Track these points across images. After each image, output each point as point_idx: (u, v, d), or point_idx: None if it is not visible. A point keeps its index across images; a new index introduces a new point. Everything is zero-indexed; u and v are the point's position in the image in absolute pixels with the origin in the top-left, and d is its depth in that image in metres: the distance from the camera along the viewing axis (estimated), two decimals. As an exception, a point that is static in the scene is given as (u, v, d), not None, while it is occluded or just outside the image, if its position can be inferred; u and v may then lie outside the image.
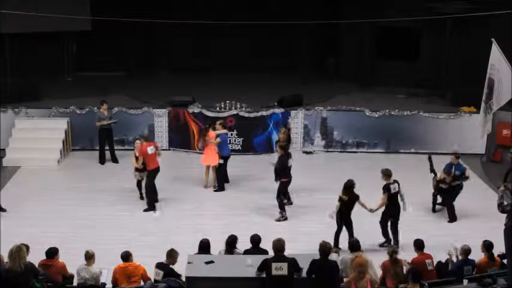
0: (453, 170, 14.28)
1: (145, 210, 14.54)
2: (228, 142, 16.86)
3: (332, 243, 10.07)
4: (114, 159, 17.58)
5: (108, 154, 17.62)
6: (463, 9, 18.87)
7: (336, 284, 9.23)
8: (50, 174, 16.93)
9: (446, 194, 14.39)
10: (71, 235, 13.09)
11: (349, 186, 12.44)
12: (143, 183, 14.89)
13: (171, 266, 9.95)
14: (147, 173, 14.67)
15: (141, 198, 15.00)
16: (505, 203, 9.52)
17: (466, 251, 10.36)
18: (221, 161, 15.57)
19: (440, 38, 20.49)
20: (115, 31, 21.33)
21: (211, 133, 15.61)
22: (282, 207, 14.16)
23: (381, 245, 12.81)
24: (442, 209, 14.68)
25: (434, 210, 14.69)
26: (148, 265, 10.31)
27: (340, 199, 12.48)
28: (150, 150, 14.56)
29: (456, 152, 14.80)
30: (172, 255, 10.04)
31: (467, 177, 14.33)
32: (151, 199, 14.63)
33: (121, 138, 18.31)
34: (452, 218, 14.23)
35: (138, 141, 14.95)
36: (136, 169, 14.82)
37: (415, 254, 10.54)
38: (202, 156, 15.88)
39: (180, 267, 9.93)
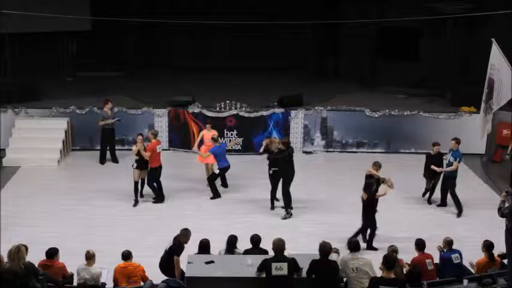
0: (449, 155, 14.46)
1: (155, 202, 14.94)
2: (225, 151, 15.94)
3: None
4: (115, 160, 17.57)
5: (108, 154, 17.61)
6: (463, 9, 18.89)
7: (336, 284, 9.24)
8: (50, 174, 16.93)
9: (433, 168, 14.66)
10: (71, 235, 13.09)
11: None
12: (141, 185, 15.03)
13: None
14: (149, 171, 14.78)
15: (136, 204, 14.83)
16: (506, 205, 9.54)
17: (449, 242, 10.52)
18: (217, 171, 15.34)
19: (440, 38, 20.50)
20: (115, 31, 21.35)
21: (206, 134, 15.61)
22: (287, 205, 14.24)
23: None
24: (442, 209, 14.69)
25: (429, 202, 14.94)
26: (148, 265, 10.33)
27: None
28: (158, 148, 14.79)
29: (456, 137, 14.78)
30: (186, 234, 10.35)
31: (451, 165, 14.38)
32: (158, 194, 14.92)
33: (121, 138, 18.30)
34: (459, 209, 14.49)
35: (140, 137, 14.97)
36: (137, 165, 14.74)
37: (415, 254, 10.56)
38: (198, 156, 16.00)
39: (180, 266, 9.97)
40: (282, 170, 14.28)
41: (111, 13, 18.29)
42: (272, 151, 14.39)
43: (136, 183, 14.88)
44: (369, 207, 12.59)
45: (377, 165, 12.72)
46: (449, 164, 14.41)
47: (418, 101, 19.99)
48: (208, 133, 15.96)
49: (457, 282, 9.82)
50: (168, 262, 10.28)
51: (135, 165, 14.80)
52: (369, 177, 12.57)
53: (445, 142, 15.13)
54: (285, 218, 14.16)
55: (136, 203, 14.84)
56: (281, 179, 14.38)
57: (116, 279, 10.10)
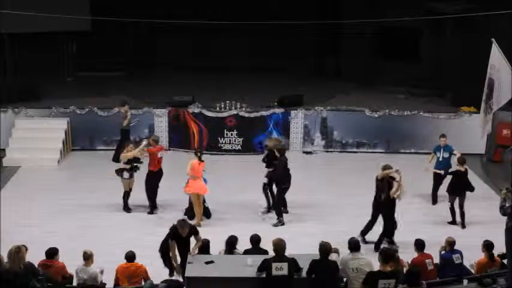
0: (441, 151, 14.76)
1: (149, 213, 14.51)
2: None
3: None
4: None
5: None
6: (463, 9, 18.88)
7: (336, 284, 9.24)
8: (50, 174, 16.94)
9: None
10: (71, 235, 13.08)
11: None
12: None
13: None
14: (149, 175, 14.39)
15: (127, 210, 14.58)
16: (507, 205, 9.54)
17: (451, 242, 10.55)
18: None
19: (440, 38, 20.50)
20: (115, 31, 21.34)
21: (196, 164, 13.92)
22: (280, 213, 14.01)
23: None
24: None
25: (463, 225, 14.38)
26: (148, 265, 10.33)
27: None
28: (160, 154, 14.53)
29: (444, 134, 15.18)
30: (182, 226, 10.36)
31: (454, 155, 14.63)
32: (153, 201, 14.58)
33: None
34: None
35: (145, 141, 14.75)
36: (121, 173, 14.35)
37: (415, 254, 10.56)
38: (190, 183, 13.94)
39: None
40: (278, 178, 13.97)
41: (111, 13, 18.29)
42: (271, 149, 14.17)
43: (125, 192, 14.52)
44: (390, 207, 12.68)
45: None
46: (445, 161, 14.72)
47: (418, 101, 20.00)
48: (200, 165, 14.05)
49: (457, 282, 9.83)
50: (166, 245, 10.55)
51: (127, 175, 14.36)
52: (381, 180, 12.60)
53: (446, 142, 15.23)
54: (276, 225, 13.84)
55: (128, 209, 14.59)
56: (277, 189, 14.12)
57: (117, 279, 10.11)
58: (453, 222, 14.08)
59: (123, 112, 17.48)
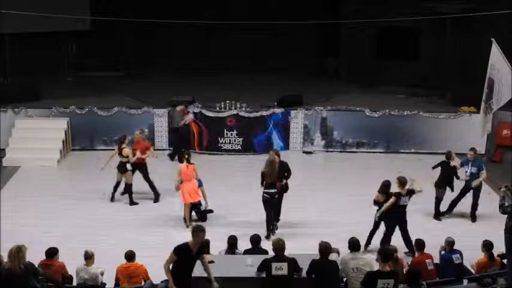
0: (469, 166, 14.04)
1: (155, 201, 15.00)
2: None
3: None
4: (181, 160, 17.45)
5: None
6: (463, 9, 18.90)
7: (336, 284, 9.24)
8: (50, 174, 16.94)
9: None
10: (71, 235, 13.08)
11: (386, 186, 12.30)
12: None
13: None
14: (144, 167, 14.89)
15: (112, 199, 14.97)
16: (506, 203, 9.53)
17: (450, 242, 10.56)
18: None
19: (440, 38, 20.51)
20: (115, 31, 21.37)
21: (184, 167, 13.67)
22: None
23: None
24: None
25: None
26: (148, 265, 10.33)
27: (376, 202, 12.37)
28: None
29: (473, 147, 14.51)
30: (196, 233, 8.65)
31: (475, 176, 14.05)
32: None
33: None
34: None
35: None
36: (121, 167, 14.72)
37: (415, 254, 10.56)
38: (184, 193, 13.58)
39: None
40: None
41: (111, 13, 18.31)
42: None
43: (117, 183, 14.99)
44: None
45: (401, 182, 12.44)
46: (472, 177, 14.01)
47: (418, 101, 20.01)
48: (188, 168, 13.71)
49: (457, 282, 9.83)
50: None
51: (130, 167, 14.83)
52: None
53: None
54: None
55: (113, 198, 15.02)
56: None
57: (117, 279, 10.10)
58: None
59: (179, 111, 17.55)
